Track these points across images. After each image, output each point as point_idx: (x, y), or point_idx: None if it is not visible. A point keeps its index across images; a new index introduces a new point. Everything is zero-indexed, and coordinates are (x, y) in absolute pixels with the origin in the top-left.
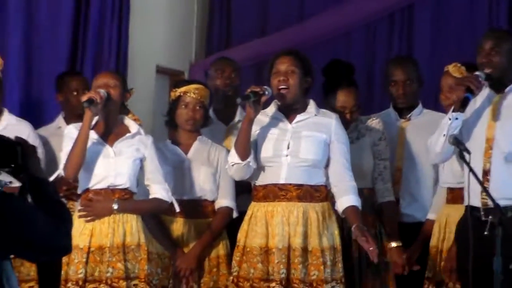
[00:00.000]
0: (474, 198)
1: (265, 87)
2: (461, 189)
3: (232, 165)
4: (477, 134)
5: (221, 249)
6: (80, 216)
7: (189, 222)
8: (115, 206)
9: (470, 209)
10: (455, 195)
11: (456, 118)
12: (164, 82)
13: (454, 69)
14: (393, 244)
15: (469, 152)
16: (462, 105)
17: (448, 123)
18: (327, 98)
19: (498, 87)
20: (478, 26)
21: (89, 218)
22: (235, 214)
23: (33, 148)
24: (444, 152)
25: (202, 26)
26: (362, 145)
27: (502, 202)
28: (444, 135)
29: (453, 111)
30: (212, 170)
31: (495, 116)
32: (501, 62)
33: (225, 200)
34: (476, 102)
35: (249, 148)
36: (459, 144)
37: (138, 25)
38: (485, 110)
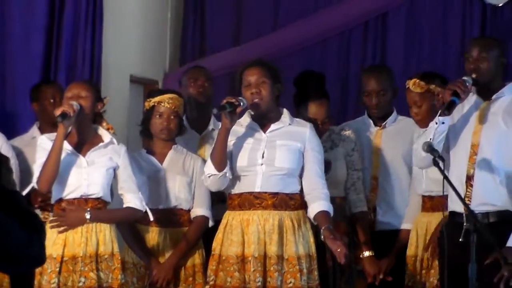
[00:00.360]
0: (456, 204)
1: (240, 98)
2: (442, 197)
3: (209, 176)
4: (463, 139)
5: (197, 258)
6: (52, 227)
7: (164, 231)
8: (88, 216)
9: (453, 215)
10: (434, 203)
11: (443, 122)
12: (138, 92)
13: (414, 86)
14: (366, 254)
15: (443, 160)
16: (447, 108)
17: (435, 127)
18: (299, 109)
19: (485, 93)
20: (451, 34)
21: (61, 229)
22: (210, 223)
23: (5, 159)
24: (429, 157)
25: (176, 35)
26: (335, 154)
27: (484, 208)
28: (430, 139)
29: (439, 115)
30: (187, 179)
31: (482, 122)
32: (488, 69)
33: (200, 209)
34: (464, 108)
35: (225, 159)
36: (433, 151)
37: (111, 34)
38: (472, 116)
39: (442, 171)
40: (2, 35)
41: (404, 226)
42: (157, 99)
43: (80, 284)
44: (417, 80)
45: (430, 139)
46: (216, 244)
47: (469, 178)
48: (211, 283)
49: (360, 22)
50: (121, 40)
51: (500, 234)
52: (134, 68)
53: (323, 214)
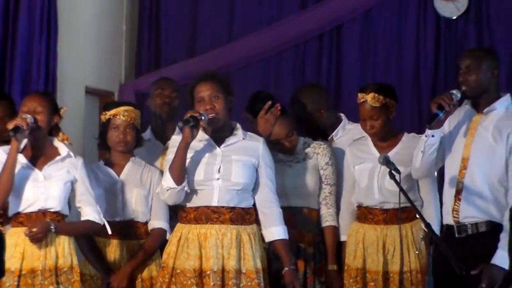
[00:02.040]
0: (447, 216)
1: (201, 112)
2: (396, 209)
3: (167, 189)
4: (455, 150)
5: (154, 270)
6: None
7: (122, 244)
8: (52, 227)
9: (447, 228)
10: (388, 215)
11: (432, 136)
12: (94, 103)
13: (373, 101)
14: (330, 267)
15: (398, 172)
16: (429, 122)
17: (424, 140)
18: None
19: (478, 106)
20: (405, 46)
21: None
22: (168, 236)
23: None
24: (422, 168)
25: (131, 47)
26: (307, 166)
27: (470, 220)
28: (422, 151)
29: (429, 128)
30: (144, 192)
31: (473, 135)
32: (477, 80)
33: (158, 221)
34: (459, 119)
35: (184, 172)
36: (388, 164)
37: (66, 45)
38: (465, 128)
39: (398, 183)
40: None
41: (344, 238)
42: (112, 112)
43: None
44: (376, 95)
45: (422, 151)
46: (168, 257)
47: (458, 193)
48: None
49: (315, 35)
50: (76, 51)
51: (488, 243)
52: (89, 80)
53: (282, 244)
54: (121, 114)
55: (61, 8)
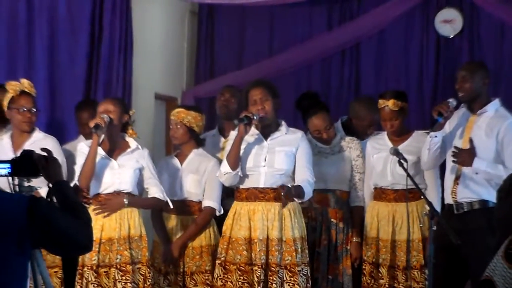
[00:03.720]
0: (447, 197)
1: (254, 113)
2: (404, 190)
3: (225, 173)
4: (455, 145)
5: (203, 241)
6: (97, 213)
7: (178, 218)
8: (126, 201)
9: (447, 206)
10: (398, 195)
11: (435, 136)
12: (162, 107)
13: (394, 106)
14: (354, 240)
15: (406, 161)
16: (431, 126)
17: (429, 140)
18: (306, 126)
19: (473, 108)
20: (412, 60)
21: (106, 214)
22: (218, 213)
23: (49, 152)
24: (429, 162)
25: (191, 61)
26: (342, 157)
27: (466, 200)
28: (428, 149)
29: (431, 131)
30: (198, 177)
31: (469, 132)
32: (471, 88)
33: (209, 201)
34: (458, 119)
35: (238, 160)
36: (397, 154)
37: (140, 60)
38: (463, 127)
39: (405, 170)
40: (52, 62)
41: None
42: (171, 114)
43: (117, 260)
44: (396, 101)
45: (428, 149)
46: (226, 228)
47: (457, 178)
48: (222, 259)
49: (338, 51)
50: (147, 65)
51: (480, 218)
52: (157, 87)
53: (296, 186)
54: (173, 115)
55: (136, 30)
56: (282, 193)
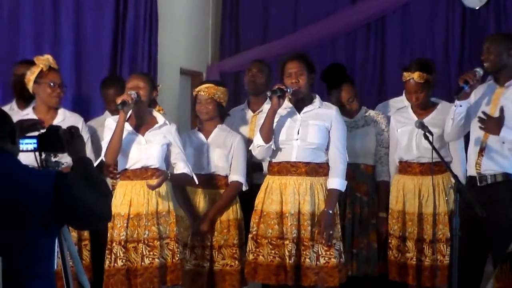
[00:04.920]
0: (471, 169)
1: (288, 86)
2: (430, 163)
3: (258, 146)
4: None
5: (231, 214)
6: (152, 188)
7: (205, 192)
8: (169, 176)
9: (470, 178)
10: (424, 168)
11: (460, 106)
12: (187, 81)
13: (419, 78)
14: (380, 214)
15: (431, 134)
16: (457, 93)
17: (454, 109)
18: (329, 96)
19: (499, 80)
20: (437, 32)
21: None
22: (245, 188)
23: (75, 129)
24: (452, 132)
25: (216, 36)
26: (367, 131)
27: (490, 172)
28: (452, 119)
29: (457, 99)
30: (225, 151)
31: (496, 104)
32: (495, 59)
33: (236, 175)
34: (484, 91)
35: (272, 133)
36: (423, 127)
37: (165, 35)
38: (489, 98)
39: (431, 143)
40: (78, 39)
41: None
42: (197, 89)
43: (145, 236)
44: (421, 73)
45: (452, 119)
46: (258, 202)
47: (481, 150)
48: (254, 233)
49: (363, 24)
50: (172, 40)
51: (504, 190)
52: (183, 62)
53: (333, 192)
54: (202, 91)
55: (161, 6)
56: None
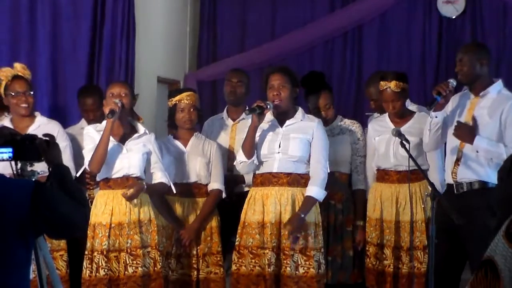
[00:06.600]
0: (448, 177)
1: (268, 102)
2: (407, 171)
3: (240, 162)
4: None
5: (213, 222)
6: (128, 198)
7: (184, 200)
8: (145, 187)
9: (447, 186)
10: (401, 176)
11: (436, 116)
12: (164, 90)
13: (396, 87)
14: (357, 223)
15: (408, 142)
16: (429, 104)
17: (430, 120)
18: (307, 101)
19: (475, 90)
20: (414, 41)
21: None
22: (224, 195)
23: (51, 137)
24: (430, 142)
25: (194, 44)
26: (342, 139)
27: (466, 180)
28: (428, 130)
29: (429, 110)
30: (206, 160)
31: (471, 113)
32: (468, 71)
33: (216, 183)
34: (460, 101)
35: (253, 149)
36: (399, 135)
37: (142, 44)
38: (465, 108)
39: (408, 151)
40: (54, 46)
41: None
42: (177, 98)
43: (128, 244)
44: (397, 82)
45: (429, 130)
46: (242, 214)
47: (458, 159)
48: (237, 244)
49: (341, 33)
50: (150, 49)
51: (479, 198)
52: (160, 71)
53: (308, 199)
54: (184, 99)
55: (138, 15)
56: (290, 241)
